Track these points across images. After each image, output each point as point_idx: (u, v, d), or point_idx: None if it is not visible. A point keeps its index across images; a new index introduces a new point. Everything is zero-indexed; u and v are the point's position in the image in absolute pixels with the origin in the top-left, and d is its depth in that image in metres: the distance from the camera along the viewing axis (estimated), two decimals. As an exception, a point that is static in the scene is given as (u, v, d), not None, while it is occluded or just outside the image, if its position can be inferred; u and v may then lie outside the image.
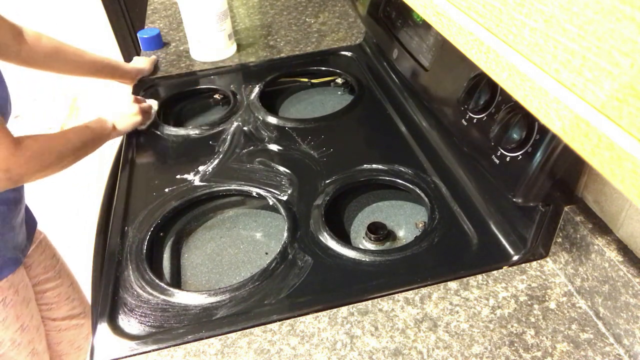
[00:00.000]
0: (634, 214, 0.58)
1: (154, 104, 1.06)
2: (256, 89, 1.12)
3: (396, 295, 0.66)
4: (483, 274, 0.68)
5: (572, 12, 0.26)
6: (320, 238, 0.75)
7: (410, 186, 0.83)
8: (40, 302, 1.03)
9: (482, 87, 0.71)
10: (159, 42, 1.33)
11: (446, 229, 0.75)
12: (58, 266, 1.08)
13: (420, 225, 0.79)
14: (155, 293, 0.69)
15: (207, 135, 1.00)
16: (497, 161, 0.67)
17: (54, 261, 1.07)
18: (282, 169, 0.89)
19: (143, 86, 1.18)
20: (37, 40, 0.95)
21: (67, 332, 1.10)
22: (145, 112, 1.01)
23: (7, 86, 0.82)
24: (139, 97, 1.03)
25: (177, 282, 0.76)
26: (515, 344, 0.60)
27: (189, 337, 0.63)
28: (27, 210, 0.99)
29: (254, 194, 0.84)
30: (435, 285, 0.67)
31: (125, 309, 0.67)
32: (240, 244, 0.81)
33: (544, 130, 0.60)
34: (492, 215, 0.74)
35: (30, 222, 1.01)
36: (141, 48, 1.34)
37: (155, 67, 1.24)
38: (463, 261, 0.70)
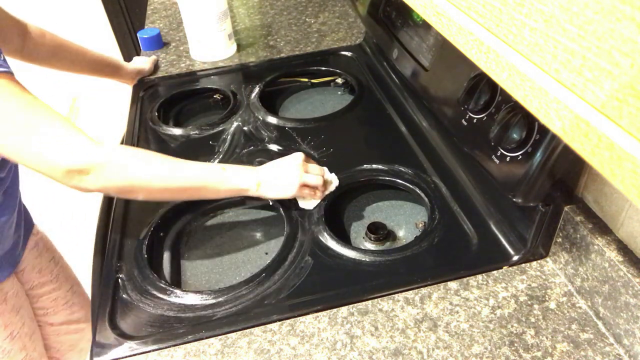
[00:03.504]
0: (634, 214, 0.58)
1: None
2: (256, 89, 1.12)
3: (396, 295, 0.66)
4: (483, 274, 0.68)
5: (572, 12, 0.26)
6: (320, 238, 0.75)
7: (410, 186, 0.83)
8: (36, 306, 1.00)
9: (482, 87, 0.71)
10: (159, 42, 1.33)
11: (446, 229, 0.75)
12: (56, 270, 1.04)
13: (420, 225, 0.79)
14: (155, 293, 0.69)
15: (207, 135, 1.00)
16: (497, 161, 0.67)
17: (51, 265, 1.03)
18: (282, 169, 0.89)
19: (143, 86, 1.18)
20: (41, 37, 0.95)
21: (67, 337, 1.07)
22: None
23: None
24: (313, 166, 0.81)
25: (177, 282, 0.76)
26: (515, 344, 0.60)
27: (189, 337, 0.63)
28: (24, 212, 0.95)
29: (254, 194, 0.84)
30: (435, 285, 0.67)
31: (125, 309, 0.67)
32: (240, 244, 0.81)
33: (544, 130, 0.60)
34: (492, 215, 0.74)
35: (26, 225, 0.96)
36: (141, 48, 1.34)
37: (155, 67, 1.24)
38: (463, 261, 0.70)
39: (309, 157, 0.82)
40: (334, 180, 0.83)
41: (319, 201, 0.80)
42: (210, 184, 0.73)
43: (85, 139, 0.65)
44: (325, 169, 0.83)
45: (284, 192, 0.77)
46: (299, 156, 0.79)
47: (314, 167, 0.80)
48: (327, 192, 0.81)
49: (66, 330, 1.07)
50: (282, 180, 0.76)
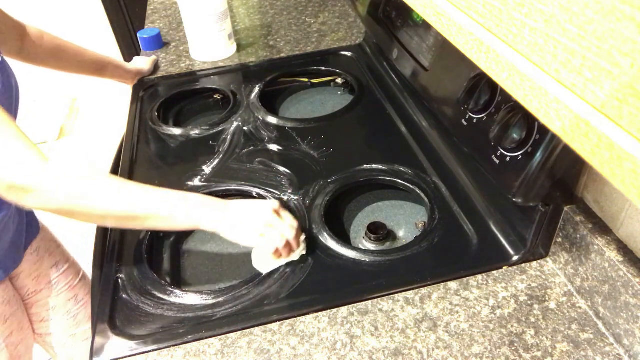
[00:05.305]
0: (634, 214, 0.58)
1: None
2: (256, 89, 1.12)
3: (396, 295, 0.66)
4: (483, 274, 0.68)
5: (572, 12, 0.26)
6: (320, 238, 0.75)
7: (410, 186, 0.83)
8: (31, 312, 0.94)
9: (482, 87, 0.71)
10: (159, 42, 1.33)
11: (446, 229, 0.75)
12: (57, 278, 0.96)
13: (420, 225, 0.79)
14: (155, 293, 0.69)
15: (207, 135, 1.00)
16: (497, 161, 0.67)
17: (51, 272, 0.95)
18: (282, 169, 0.89)
19: (143, 86, 1.18)
20: (40, 39, 0.95)
21: (64, 349, 1.00)
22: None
23: (12, 85, 0.77)
24: (283, 215, 0.72)
25: (177, 282, 0.76)
26: (515, 344, 0.60)
27: (189, 337, 0.63)
28: (26, 216, 0.90)
29: (254, 194, 0.84)
30: (435, 285, 0.67)
31: (125, 309, 0.67)
32: (240, 244, 0.81)
33: (544, 130, 0.60)
34: (492, 215, 0.74)
35: (29, 230, 0.91)
36: (141, 48, 1.34)
37: (155, 67, 1.24)
38: (463, 261, 0.70)
39: (284, 208, 0.73)
40: (300, 246, 0.71)
41: (276, 265, 0.70)
42: (159, 215, 0.66)
43: (33, 157, 0.62)
44: (303, 235, 0.72)
45: (245, 239, 0.70)
46: (270, 204, 0.71)
47: (281, 223, 0.70)
48: (288, 259, 0.70)
49: (69, 342, 1.00)
50: (244, 225, 0.70)
